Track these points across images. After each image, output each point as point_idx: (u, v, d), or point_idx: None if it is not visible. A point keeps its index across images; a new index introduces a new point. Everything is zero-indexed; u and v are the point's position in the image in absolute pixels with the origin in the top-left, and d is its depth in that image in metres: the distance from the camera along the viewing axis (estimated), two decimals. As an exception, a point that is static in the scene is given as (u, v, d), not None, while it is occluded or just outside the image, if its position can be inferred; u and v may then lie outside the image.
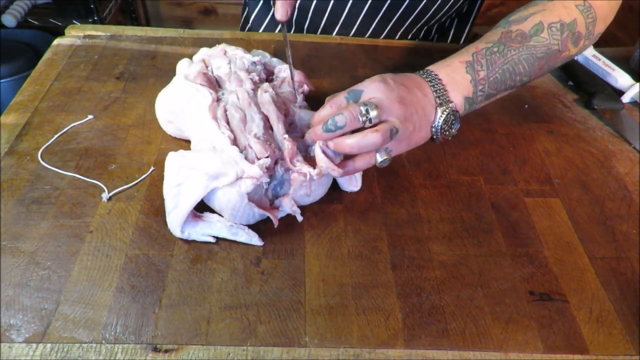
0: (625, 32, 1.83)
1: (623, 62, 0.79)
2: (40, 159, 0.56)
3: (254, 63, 0.60)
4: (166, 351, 0.41)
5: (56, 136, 0.60)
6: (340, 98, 0.50)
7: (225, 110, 0.53)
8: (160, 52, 0.76)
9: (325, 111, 0.50)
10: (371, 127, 0.47)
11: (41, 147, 0.58)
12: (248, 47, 0.80)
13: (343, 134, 0.48)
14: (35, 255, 0.47)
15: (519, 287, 0.48)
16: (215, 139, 0.50)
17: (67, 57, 0.73)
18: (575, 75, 0.77)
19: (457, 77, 0.54)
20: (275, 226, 0.50)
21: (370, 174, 0.58)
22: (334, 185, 0.55)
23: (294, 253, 0.49)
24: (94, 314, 0.43)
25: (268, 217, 0.50)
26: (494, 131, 0.67)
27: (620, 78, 0.75)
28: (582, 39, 0.58)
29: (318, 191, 0.53)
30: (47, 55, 0.74)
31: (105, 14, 1.90)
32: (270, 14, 0.90)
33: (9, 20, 1.75)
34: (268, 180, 0.49)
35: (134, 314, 0.43)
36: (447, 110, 0.52)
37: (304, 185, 0.50)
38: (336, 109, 0.49)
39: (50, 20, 1.84)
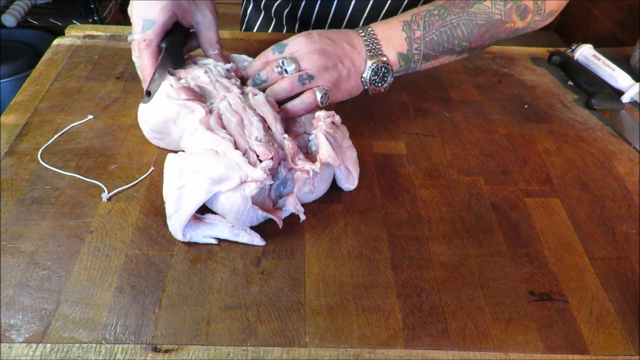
0: (625, 32, 1.83)
1: (623, 62, 0.79)
2: (40, 159, 0.56)
3: (228, 70, 0.58)
4: (166, 351, 0.41)
5: (56, 136, 0.60)
6: (269, 51, 0.58)
7: (220, 117, 0.52)
8: (160, 52, 0.76)
9: (255, 65, 0.59)
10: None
11: (41, 147, 0.58)
12: (248, 46, 0.80)
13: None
14: (35, 255, 0.47)
15: (519, 287, 0.48)
16: (216, 144, 0.49)
17: (67, 57, 0.73)
18: (575, 75, 0.77)
19: (393, 35, 0.58)
20: (280, 227, 0.50)
21: (370, 174, 0.58)
22: (334, 184, 0.55)
23: (294, 253, 0.49)
24: (94, 314, 0.43)
25: (269, 218, 0.50)
26: (494, 131, 0.67)
27: (620, 78, 0.75)
28: (530, 13, 0.60)
29: (321, 187, 0.53)
30: (47, 55, 0.74)
31: (105, 14, 1.90)
32: (261, 16, 0.91)
33: (9, 20, 1.75)
34: (272, 182, 0.48)
35: (134, 314, 0.43)
36: (377, 63, 0.57)
37: (308, 182, 0.50)
38: (263, 63, 0.58)
39: (50, 20, 1.84)
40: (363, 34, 0.58)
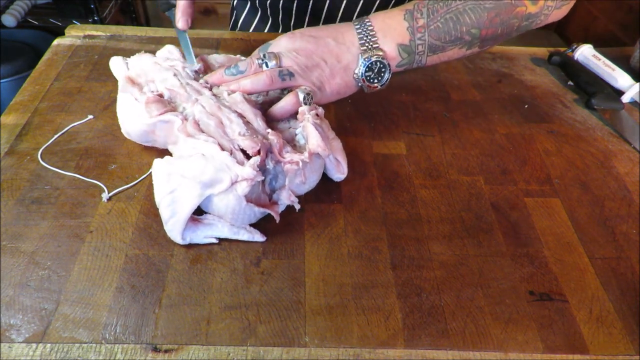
0: (625, 32, 1.83)
1: (623, 62, 0.79)
2: (40, 159, 0.56)
3: (196, 72, 0.58)
4: (166, 351, 0.41)
5: (56, 136, 0.60)
6: (253, 54, 0.57)
7: (196, 122, 0.51)
8: (160, 52, 0.76)
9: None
10: None
11: (41, 147, 0.58)
12: (247, 47, 0.80)
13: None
14: (35, 255, 0.47)
15: (519, 287, 0.48)
16: (202, 148, 0.48)
17: (67, 57, 0.73)
18: (575, 75, 0.77)
19: (393, 24, 0.55)
20: (277, 221, 0.50)
21: (370, 174, 0.58)
22: (334, 183, 0.55)
23: (294, 253, 0.49)
24: (94, 314, 0.43)
25: (268, 215, 0.50)
26: (494, 131, 0.67)
27: (620, 78, 0.75)
28: None
29: (312, 177, 0.53)
30: (47, 55, 0.74)
31: (105, 14, 1.90)
32: (257, 17, 0.90)
33: (9, 20, 1.75)
34: (263, 178, 0.48)
35: (134, 314, 0.43)
36: (371, 58, 0.54)
37: (299, 173, 0.50)
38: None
39: (50, 20, 1.85)
40: (358, 26, 0.55)
